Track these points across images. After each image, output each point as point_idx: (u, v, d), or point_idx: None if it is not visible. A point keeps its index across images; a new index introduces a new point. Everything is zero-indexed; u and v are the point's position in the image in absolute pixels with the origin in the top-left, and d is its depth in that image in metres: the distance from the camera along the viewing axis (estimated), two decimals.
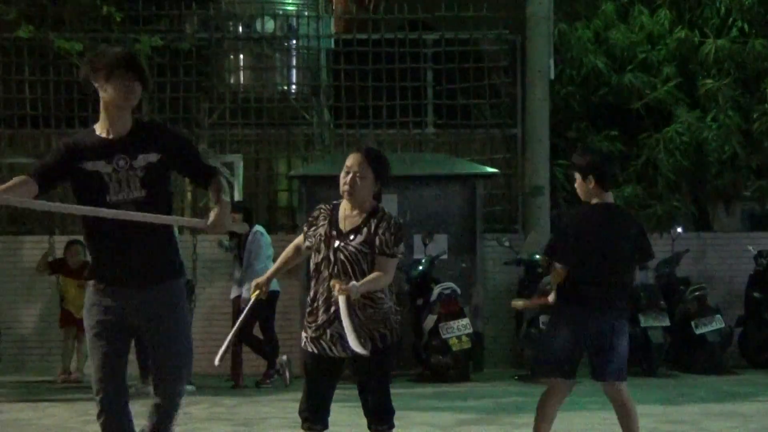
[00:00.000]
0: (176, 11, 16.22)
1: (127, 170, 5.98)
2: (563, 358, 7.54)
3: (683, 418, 10.56)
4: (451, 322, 13.52)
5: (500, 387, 13.21)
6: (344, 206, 6.73)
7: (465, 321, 13.59)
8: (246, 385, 13.24)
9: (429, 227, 14.45)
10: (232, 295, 13.41)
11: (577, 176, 7.57)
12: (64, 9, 15.53)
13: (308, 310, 6.73)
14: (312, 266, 6.76)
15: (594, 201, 7.55)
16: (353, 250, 6.57)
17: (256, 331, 13.46)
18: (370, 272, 6.56)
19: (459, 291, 13.71)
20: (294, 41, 16.36)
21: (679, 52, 16.27)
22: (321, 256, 6.65)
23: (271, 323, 13.37)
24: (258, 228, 13.30)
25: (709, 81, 15.94)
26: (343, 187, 6.66)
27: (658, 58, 16.33)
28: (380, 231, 6.59)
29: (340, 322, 6.48)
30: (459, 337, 13.50)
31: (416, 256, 14.35)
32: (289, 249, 6.99)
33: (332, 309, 6.57)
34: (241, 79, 16.46)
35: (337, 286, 6.41)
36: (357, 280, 6.51)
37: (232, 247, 13.68)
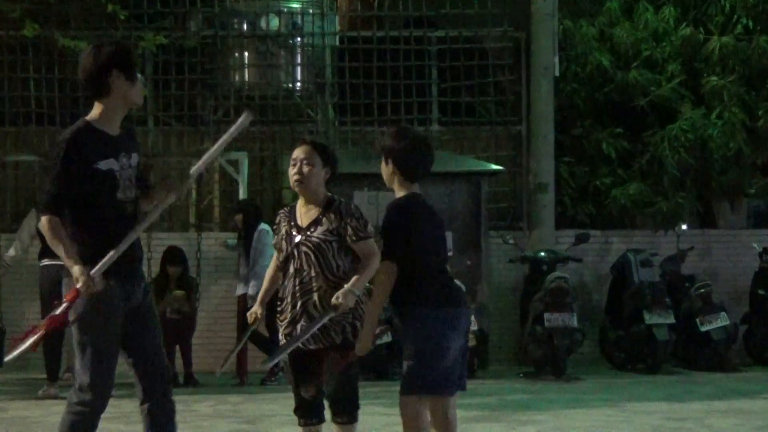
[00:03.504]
0: (181, 9, 16.22)
1: (128, 168, 6.04)
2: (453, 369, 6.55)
3: (688, 415, 10.55)
4: None
5: (505, 384, 13.22)
6: (300, 204, 6.86)
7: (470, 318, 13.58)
8: (251, 382, 13.25)
9: None
10: (237, 293, 13.43)
11: (382, 159, 6.59)
12: (69, 7, 15.54)
13: (279, 308, 6.81)
14: (280, 265, 6.85)
15: (402, 192, 6.54)
16: (316, 240, 6.67)
17: (261, 329, 13.48)
18: (335, 260, 6.65)
19: (464, 288, 13.68)
20: (299, 39, 16.34)
21: (683, 50, 16.25)
22: (285, 254, 6.76)
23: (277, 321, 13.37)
24: (264, 226, 13.31)
25: (713, 78, 15.93)
26: (293, 178, 6.76)
27: (663, 56, 16.32)
28: (347, 220, 6.67)
29: (308, 317, 6.64)
30: None
31: None
32: (271, 270, 7.09)
33: (298, 305, 6.67)
34: (246, 76, 16.44)
35: (339, 301, 6.51)
36: (322, 269, 6.64)
37: (237, 246, 13.71)
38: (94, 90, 6.03)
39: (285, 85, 16.44)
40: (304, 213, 6.78)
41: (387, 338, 13.26)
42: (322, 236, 6.64)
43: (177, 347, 13.33)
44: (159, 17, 16.22)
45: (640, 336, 14.07)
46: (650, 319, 13.94)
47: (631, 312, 14.21)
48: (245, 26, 16.31)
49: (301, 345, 6.70)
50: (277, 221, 6.92)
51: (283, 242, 6.75)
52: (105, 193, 5.92)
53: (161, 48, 15.52)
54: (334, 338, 6.68)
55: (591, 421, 10.21)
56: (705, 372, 14.10)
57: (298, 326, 6.69)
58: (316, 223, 6.69)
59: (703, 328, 14.17)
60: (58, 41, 14.87)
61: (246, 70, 16.35)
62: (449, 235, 14.61)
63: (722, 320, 14.22)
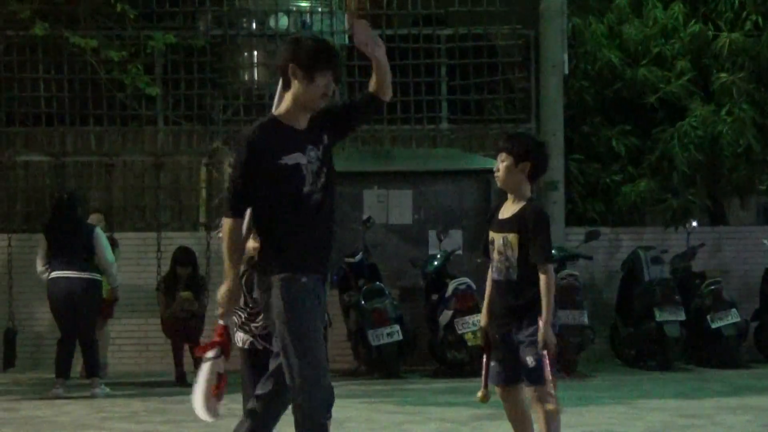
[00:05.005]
0: (190, 8, 16.22)
1: (316, 161, 5.94)
2: None
3: (699, 412, 10.54)
4: (467, 318, 13.51)
5: None
6: None
7: (480, 316, 13.56)
8: None
9: (444, 223, 14.46)
10: None
11: (508, 159, 6.87)
12: (78, 6, 15.55)
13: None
14: None
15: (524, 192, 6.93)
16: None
17: None
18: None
19: (474, 286, 13.69)
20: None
21: (693, 46, 16.23)
22: None
23: None
24: None
25: (723, 75, 15.90)
26: None
27: (672, 52, 16.30)
28: None
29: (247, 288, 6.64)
30: (474, 333, 13.47)
31: (431, 252, 14.35)
32: None
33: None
34: (255, 75, 16.44)
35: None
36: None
37: None
38: (282, 80, 5.99)
39: None
40: None
41: (398, 337, 13.24)
42: None
43: (186, 346, 13.34)
44: (168, 16, 16.22)
45: (651, 333, 14.05)
46: (661, 316, 13.92)
47: (642, 309, 14.20)
48: (254, 25, 16.32)
49: (268, 346, 6.56)
50: None
51: None
52: (291, 189, 5.84)
53: (170, 47, 15.54)
54: None
55: (602, 418, 10.21)
56: (716, 369, 14.07)
57: (252, 325, 6.67)
58: None
59: (714, 325, 14.15)
60: (67, 40, 14.89)
61: (255, 69, 16.35)
62: (459, 233, 14.64)
63: (733, 317, 14.20)
